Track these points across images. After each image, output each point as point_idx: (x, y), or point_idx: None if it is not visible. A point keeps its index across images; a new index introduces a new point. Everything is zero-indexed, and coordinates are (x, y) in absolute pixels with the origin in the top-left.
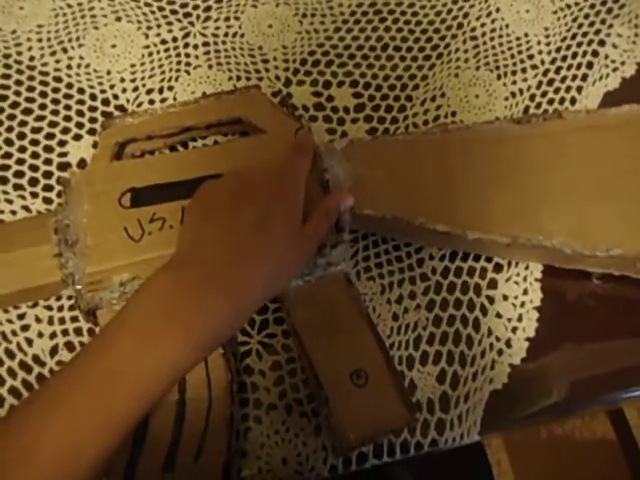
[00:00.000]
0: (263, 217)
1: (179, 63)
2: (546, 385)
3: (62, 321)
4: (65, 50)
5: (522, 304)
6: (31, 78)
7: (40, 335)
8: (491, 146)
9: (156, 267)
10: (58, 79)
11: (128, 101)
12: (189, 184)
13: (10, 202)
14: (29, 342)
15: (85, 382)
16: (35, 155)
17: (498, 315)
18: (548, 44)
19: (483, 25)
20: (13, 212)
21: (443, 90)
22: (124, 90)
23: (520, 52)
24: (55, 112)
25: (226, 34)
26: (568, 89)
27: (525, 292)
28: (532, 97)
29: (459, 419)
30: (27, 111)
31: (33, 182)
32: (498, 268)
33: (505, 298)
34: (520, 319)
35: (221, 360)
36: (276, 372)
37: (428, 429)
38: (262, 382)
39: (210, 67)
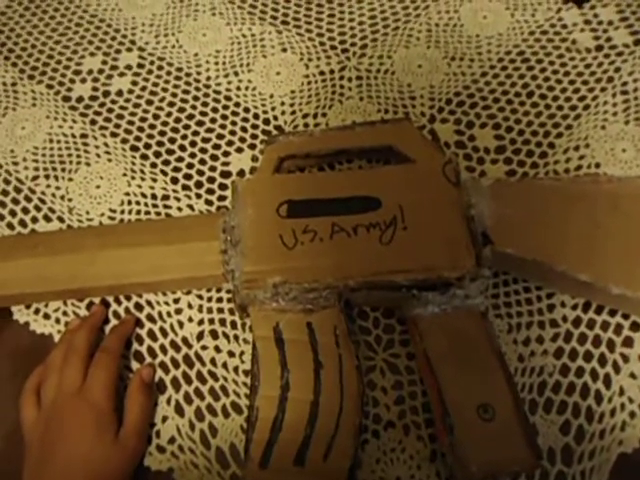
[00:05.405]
0: None
1: (334, 93)
2: None
3: (210, 310)
4: (237, 73)
5: None
6: (206, 95)
7: (190, 320)
8: None
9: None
10: (228, 98)
11: (285, 122)
12: (339, 202)
13: (178, 200)
14: (180, 324)
15: None
16: (202, 162)
17: (632, 375)
18: None
19: (636, 80)
20: (179, 209)
21: (588, 141)
22: (283, 112)
23: None
24: (223, 126)
25: (378, 70)
26: None
27: None
28: None
29: (582, 475)
30: (200, 123)
31: (198, 185)
32: (636, 327)
33: None
34: None
35: (355, 372)
36: (397, 391)
37: None
38: (383, 399)
39: (361, 99)
